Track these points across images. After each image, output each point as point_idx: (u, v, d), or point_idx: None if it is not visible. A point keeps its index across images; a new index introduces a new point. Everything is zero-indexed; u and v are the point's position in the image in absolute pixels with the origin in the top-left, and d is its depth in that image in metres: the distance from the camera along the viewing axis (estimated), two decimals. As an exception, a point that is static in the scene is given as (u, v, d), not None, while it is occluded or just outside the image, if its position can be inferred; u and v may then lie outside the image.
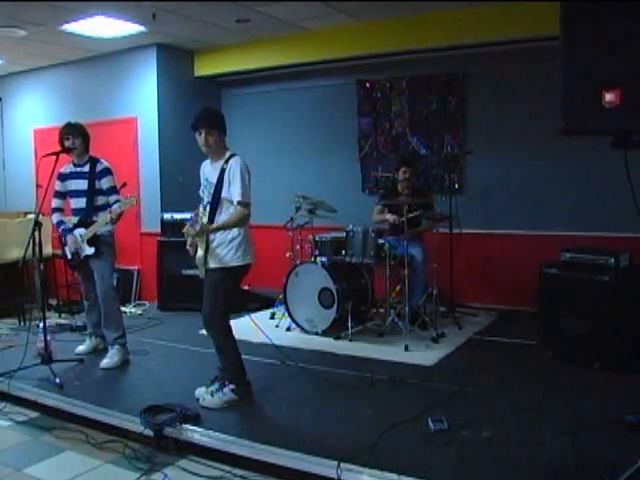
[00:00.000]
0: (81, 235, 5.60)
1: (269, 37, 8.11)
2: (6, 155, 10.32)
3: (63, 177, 5.77)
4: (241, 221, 4.51)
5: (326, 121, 8.57)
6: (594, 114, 2.98)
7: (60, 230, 5.75)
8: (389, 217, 6.65)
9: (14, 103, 10.15)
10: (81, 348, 6.07)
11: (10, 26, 7.17)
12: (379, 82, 8.15)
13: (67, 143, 5.63)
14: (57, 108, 9.53)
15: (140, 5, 6.60)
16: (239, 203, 4.45)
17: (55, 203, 5.79)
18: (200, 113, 4.63)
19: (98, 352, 5.99)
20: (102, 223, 5.54)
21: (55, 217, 5.77)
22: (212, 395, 4.57)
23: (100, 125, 8.85)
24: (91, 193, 5.63)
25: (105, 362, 5.62)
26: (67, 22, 7.13)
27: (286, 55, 8.22)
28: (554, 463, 3.50)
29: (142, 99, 8.62)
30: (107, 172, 5.70)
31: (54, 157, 5.44)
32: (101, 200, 5.68)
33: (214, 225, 4.51)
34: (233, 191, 4.46)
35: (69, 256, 5.78)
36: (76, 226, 5.66)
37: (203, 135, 4.53)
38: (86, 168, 5.68)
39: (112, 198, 5.65)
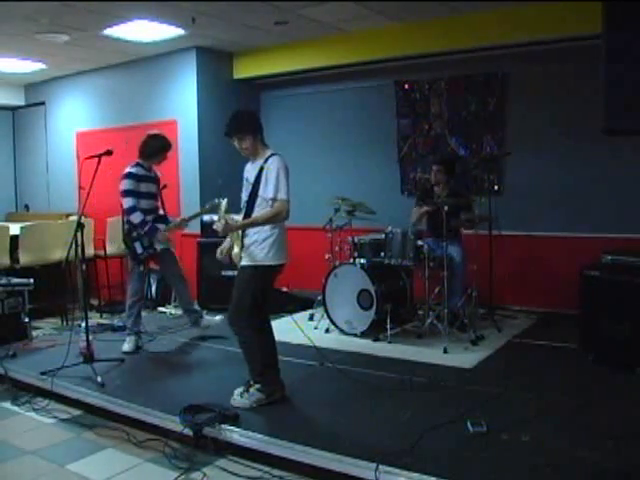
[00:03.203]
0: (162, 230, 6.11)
1: (307, 39, 8.14)
2: (49, 158, 10.53)
3: (139, 178, 6.08)
4: (275, 218, 4.44)
5: (365, 122, 8.57)
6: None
7: (147, 227, 5.99)
8: (425, 207, 6.62)
9: (57, 107, 10.33)
10: (127, 347, 6.20)
11: (53, 32, 7.31)
12: (418, 83, 8.12)
13: (159, 159, 6.24)
14: (98, 111, 9.70)
15: (179, 8, 6.66)
16: (273, 200, 4.41)
17: (135, 202, 6.01)
18: (230, 120, 4.60)
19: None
20: (179, 223, 6.19)
21: (140, 215, 5.99)
22: (241, 396, 4.58)
23: (140, 128, 8.95)
24: (159, 196, 6.33)
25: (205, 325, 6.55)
26: (108, 26, 7.24)
27: (324, 57, 8.23)
28: (595, 468, 3.45)
29: (182, 102, 8.71)
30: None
31: (96, 159, 5.53)
32: None
33: (244, 221, 4.49)
34: (268, 189, 4.43)
35: (139, 250, 6.05)
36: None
37: (236, 141, 4.56)
38: (153, 174, 6.27)
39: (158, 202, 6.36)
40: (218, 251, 4.77)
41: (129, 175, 6.03)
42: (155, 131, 6.39)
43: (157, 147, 6.16)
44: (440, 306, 6.33)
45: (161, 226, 6.08)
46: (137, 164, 6.13)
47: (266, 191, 4.44)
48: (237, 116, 4.66)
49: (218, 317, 6.61)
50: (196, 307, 6.70)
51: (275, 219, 4.46)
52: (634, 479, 3.38)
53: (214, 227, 4.56)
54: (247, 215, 4.56)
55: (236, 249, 4.59)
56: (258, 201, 4.51)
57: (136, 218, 5.96)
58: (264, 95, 9.49)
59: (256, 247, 4.49)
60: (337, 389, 4.97)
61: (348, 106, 8.70)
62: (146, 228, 5.98)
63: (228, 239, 4.74)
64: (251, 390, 4.56)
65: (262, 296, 4.57)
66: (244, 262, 4.56)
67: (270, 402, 4.56)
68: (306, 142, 9.02)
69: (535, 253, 7.40)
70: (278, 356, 4.71)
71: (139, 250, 6.06)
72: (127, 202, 5.97)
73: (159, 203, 6.33)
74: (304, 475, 3.78)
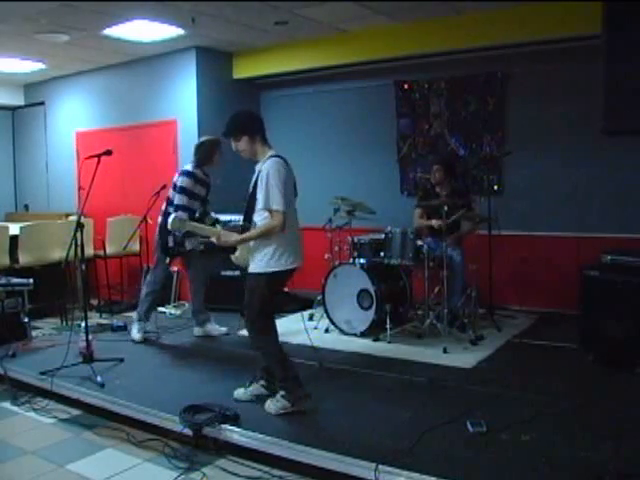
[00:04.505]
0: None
1: (307, 39, 8.14)
2: (49, 157, 10.51)
3: (196, 180, 6.32)
4: (269, 232, 4.33)
5: (365, 122, 8.56)
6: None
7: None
8: (434, 223, 6.58)
9: (57, 106, 10.33)
10: (138, 336, 6.51)
11: (54, 32, 7.31)
12: (418, 83, 8.11)
13: (213, 161, 6.37)
14: (98, 111, 9.69)
15: (179, 8, 6.66)
16: (266, 210, 4.31)
17: (186, 201, 6.23)
18: (228, 121, 4.56)
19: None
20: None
21: (183, 214, 6.08)
22: (271, 402, 4.49)
23: (140, 127, 8.99)
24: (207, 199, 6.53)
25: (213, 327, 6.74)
26: (108, 26, 7.24)
27: (324, 57, 8.23)
28: (595, 468, 3.44)
29: (181, 101, 8.71)
30: None
31: (96, 159, 5.53)
32: None
33: (238, 237, 4.44)
34: (259, 198, 4.35)
35: (171, 244, 6.28)
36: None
37: (233, 142, 4.52)
38: (209, 179, 6.49)
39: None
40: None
41: (189, 174, 6.25)
42: (203, 138, 6.49)
43: (206, 151, 6.28)
44: (440, 306, 6.33)
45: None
46: (198, 166, 6.31)
47: (258, 200, 4.36)
48: (234, 116, 4.60)
49: (224, 329, 6.66)
50: (207, 311, 6.82)
51: (269, 233, 4.36)
52: (634, 479, 3.38)
53: (211, 239, 4.60)
54: (245, 218, 4.51)
55: (237, 252, 4.54)
56: (257, 205, 4.42)
57: (180, 216, 6.07)
58: (264, 95, 9.48)
59: (259, 253, 4.41)
60: (337, 389, 4.96)
61: (348, 106, 8.70)
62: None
63: None
64: (277, 396, 4.47)
65: (268, 302, 4.50)
66: (250, 269, 4.49)
67: (296, 411, 4.41)
68: (306, 142, 9.01)
69: (535, 253, 7.40)
70: (285, 364, 4.52)
71: (170, 244, 6.25)
72: (180, 199, 6.16)
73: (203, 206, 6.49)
74: (304, 475, 3.78)
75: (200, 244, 6.40)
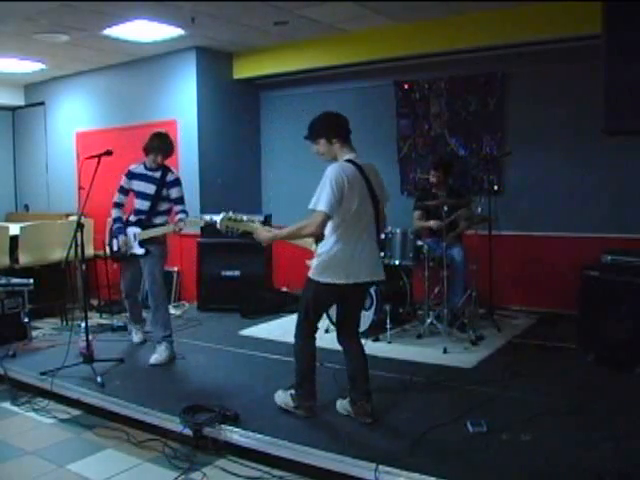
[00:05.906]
0: (134, 234, 5.87)
1: (307, 39, 8.13)
2: (49, 158, 10.50)
3: (132, 175, 5.99)
4: (302, 230, 4.17)
5: (365, 123, 8.51)
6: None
7: (114, 228, 6.02)
8: (432, 224, 6.59)
9: (57, 107, 10.32)
10: (136, 338, 6.48)
11: (54, 32, 7.30)
12: (418, 83, 8.10)
13: (158, 158, 5.87)
14: (98, 111, 9.69)
15: (179, 8, 6.66)
16: (314, 210, 4.15)
17: (118, 198, 6.07)
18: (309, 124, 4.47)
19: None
20: (162, 231, 5.87)
21: (115, 212, 6.05)
22: (282, 392, 4.53)
23: (140, 128, 8.94)
24: (157, 199, 5.90)
25: (154, 358, 5.73)
26: (108, 26, 7.23)
27: (324, 57, 8.21)
28: (595, 468, 3.44)
29: (181, 102, 8.70)
30: (178, 182, 5.98)
31: (96, 159, 5.53)
32: (164, 206, 5.98)
33: (272, 234, 4.38)
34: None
35: (115, 248, 6.07)
36: (132, 224, 5.93)
37: (313, 146, 4.48)
38: (157, 174, 5.90)
39: (178, 207, 5.93)
40: None
41: (126, 171, 6.05)
42: (159, 130, 6.24)
43: (146, 147, 5.90)
44: (440, 306, 6.33)
45: (136, 230, 5.86)
46: (143, 162, 5.99)
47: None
48: (314, 120, 4.52)
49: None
50: (160, 333, 5.89)
51: (302, 231, 4.20)
52: (634, 479, 3.38)
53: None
54: None
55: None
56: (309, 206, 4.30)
57: (112, 214, 6.07)
58: (264, 95, 9.47)
59: (316, 258, 4.26)
60: (337, 389, 4.95)
61: (348, 106, 8.64)
62: (114, 227, 6.04)
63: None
64: (288, 391, 4.47)
65: (312, 310, 4.33)
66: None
67: (295, 412, 4.40)
68: (306, 142, 8.96)
69: (535, 253, 7.39)
70: (307, 372, 4.42)
71: (115, 247, 6.08)
72: (116, 197, 6.06)
73: (157, 206, 5.92)
74: (304, 475, 3.78)
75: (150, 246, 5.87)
